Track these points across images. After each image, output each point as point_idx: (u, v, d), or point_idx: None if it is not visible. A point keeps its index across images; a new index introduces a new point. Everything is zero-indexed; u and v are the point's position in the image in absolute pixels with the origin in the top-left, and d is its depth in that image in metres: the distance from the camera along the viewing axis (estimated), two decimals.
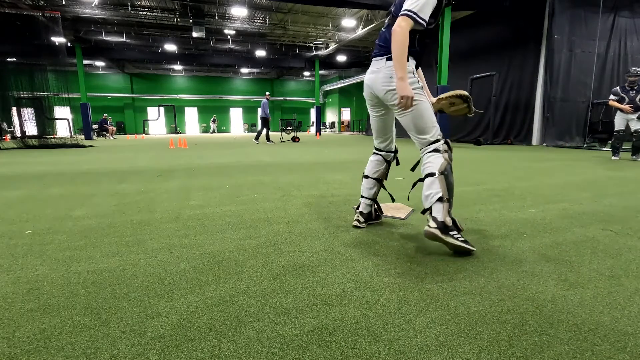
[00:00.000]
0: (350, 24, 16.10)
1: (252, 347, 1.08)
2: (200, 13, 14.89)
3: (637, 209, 2.78)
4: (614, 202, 3.02)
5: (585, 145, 10.07)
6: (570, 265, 1.68)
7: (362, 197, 2.29)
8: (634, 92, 6.18)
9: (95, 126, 19.46)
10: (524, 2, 10.82)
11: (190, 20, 15.11)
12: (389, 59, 1.84)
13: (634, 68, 6.35)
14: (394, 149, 2.29)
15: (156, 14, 14.89)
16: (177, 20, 15.24)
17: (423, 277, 1.55)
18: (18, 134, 11.95)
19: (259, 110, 12.74)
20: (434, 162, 1.83)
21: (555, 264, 1.70)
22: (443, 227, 1.74)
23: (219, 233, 2.21)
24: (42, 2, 13.02)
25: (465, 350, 1.06)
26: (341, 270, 1.64)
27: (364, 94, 2.10)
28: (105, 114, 21.03)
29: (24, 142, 11.38)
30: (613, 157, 6.61)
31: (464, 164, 6.00)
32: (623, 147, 6.77)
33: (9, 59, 11.93)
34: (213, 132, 28.77)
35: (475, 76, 11.75)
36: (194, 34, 15.71)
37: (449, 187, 1.79)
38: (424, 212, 1.85)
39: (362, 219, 2.29)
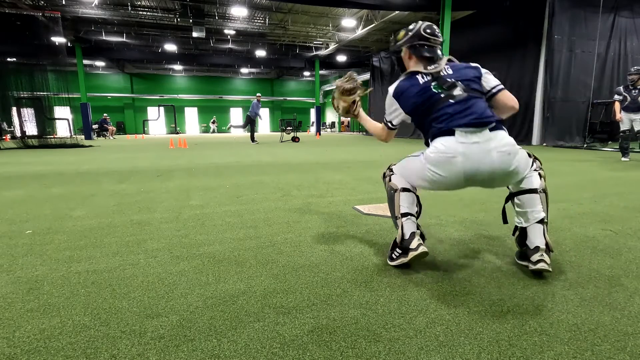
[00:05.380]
0: (351, 24, 16.09)
1: (252, 347, 1.08)
2: (200, 13, 14.89)
3: (637, 209, 2.78)
4: (614, 202, 3.02)
5: (585, 146, 10.06)
6: (570, 265, 1.68)
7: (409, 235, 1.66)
8: (637, 91, 6.16)
9: (95, 126, 19.45)
10: (524, 2, 10.82)
11: (190, 20, 15.10)
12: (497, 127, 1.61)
13: (635, 67, 6.34)
14: None
15: (156, 14, 14.89)
16: (177, 20, 15.23)
17: (423, 277, 1.55)
18: (18, 134, 11.94)
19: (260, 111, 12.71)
20: (534, 180, 1.63)
21: (555, 263, 1.69)
22: (548, 250, 1.54)
23: (219, 233, 2.21)
24: (42, 2, 13.02)
25: (465, 350, 1.06)
26: (341, 270, 1.64)
27: (470, 172, 1.54)
28: (105, 114, 21.01)
29: (24, 142, 11.38)
30: (623, 159, 6.49)
31: None
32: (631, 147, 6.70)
33: (9, 59, 11.93)
34: (213, 132, 28.78)
35: None
36: (194, 34, 15.71)
37: (548, 205, 1.64)
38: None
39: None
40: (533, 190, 1.60)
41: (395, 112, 1.83)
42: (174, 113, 26.76)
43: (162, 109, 26.95)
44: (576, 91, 10.56)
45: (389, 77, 19.16)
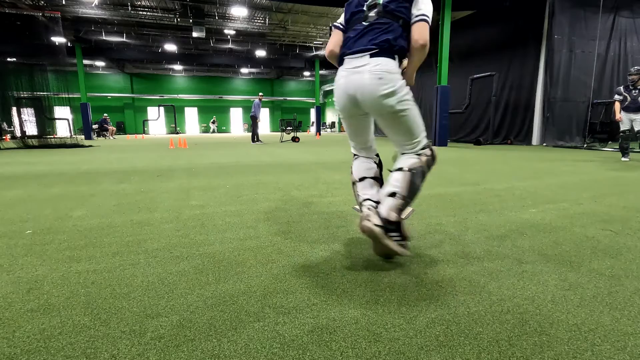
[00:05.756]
0: None
1: (252, 347, 1.08)
2: (200, 13, 14.88)
3: (637, 209, 2.78)
4: (614, 202, 3.02)
5: (585, 146, 10.07)
6: (570, 265, 1.68)
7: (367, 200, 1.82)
8: (637, 91, 6.16)
9: (95, 126, 19.45)
10: (524, 2, 10.82)
11: (190, 20, 15.10)
12: (374, 55, 1.64)
13: (635, 67, 6.33)
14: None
15: (156, 14, 14.89)
16: (177, 20, 15.23)
17: (423, 277, 1.55)
18: (18, 134, 11.94)
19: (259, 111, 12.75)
20: (408, 159, 1.72)
21: (555, 264, 1.70)
22: (385, 224, 1.56)
23: (219, 233, 2.21)
24: (42, 2, 13.02)
25: (465, 350, 1.06)
26: (341, 270, 1.64)
27: (338, 97, 1.77)
28: (105, 114, 21.01)
29: (24, 142, 11.37)
30: (623, 159, 6.49)
31: (464, 164, 6.00)
32: (631, 147, 6.70)
33: (9, 59, 11.93)
34: (213, 132, 28.78)
35: (475, 76, 11.76)
36: (194, 34, 15.71)
37: (412, 188, 1.66)
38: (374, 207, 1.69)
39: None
40: (399, 169, 1.69)
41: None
42: (174, 113, 26.76)
43: (162, 109, 26.95)
44: (576, 91, 10.57)
45: None
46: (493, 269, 1.63)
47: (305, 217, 2.57)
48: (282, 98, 32.27)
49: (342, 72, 1.74)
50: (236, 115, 32.14)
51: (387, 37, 1.65)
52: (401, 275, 1.58)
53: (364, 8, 1.74)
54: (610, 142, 10.15)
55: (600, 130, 10.35)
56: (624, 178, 4.37)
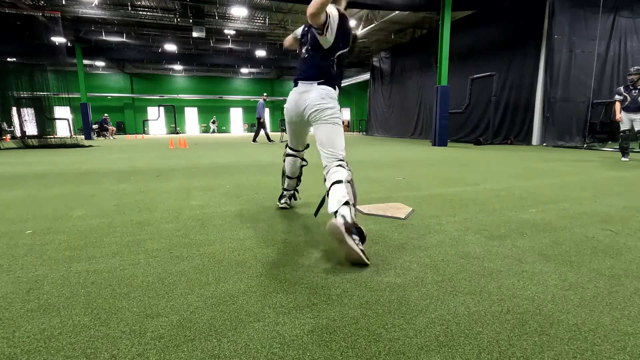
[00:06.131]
0: (351, 24, 16.06)
1: (252, 347, 1.08)
2: (200, 13, 14.89)
3: (637, 209, 2.78)
4: (614, 202, 3.02)
5: (585, 146, 10.07)
6: (570, 265, 1.68)
7: (286, 190, 2.82)
8: (637, 91, 6.16)
9: (95, 126, 19.45)
10: (524, 2, 10.82)
11: (190, 20, 15.10)
12: (320, 83, 2.11)
13: (634, 67, 6.33)
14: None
15: (156, 14, 14.90)
16: (177, 20, 15.24)
17: (423, 277, 1.55)
18: (18, 134, 11.94)
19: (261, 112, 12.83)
20: (341, 172, 1.94)
21: (555, 264, 1.70)
22: (349, 226, 1.69)
23: (219, 233, 2.21)
24: (42, 2, 13.02)
25: (465, 350, 1.06)
26: (341, 270, 1.64)
27: (289, 109, 2.27)
28: (105, 114, 21.01)
29: (24, 142, 11.37)
30: (623, 159, 6.49)
31: (464, 164, 6.00)
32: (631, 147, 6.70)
33: (9, 59, 11.93)
34: (213, 132, 28.78)
35: (475, 76, 11.76)
36: (194, 34, 15.71)
37: (354, 194, 1.88)
38: (334, 214, 1.83)
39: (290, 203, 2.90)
40: (338, 182, 1.89)
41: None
42: (174, 113, 26.77)
43: (162, 109, 26.96)
44: (576, 91, 10.56)
45: (389, 77, 19.17)
46: (493, 269, 1.63)
47: (305, 217, 2.57)
48: (282, 98, 32.25)
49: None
50: (236, 115, 32.14)
51: None
52: (401, 275, 1.58)
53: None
54: (610, 142, 10.15)
55: (600, 130, 10.35)
56: (624, 178, 4.37)
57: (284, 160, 2.69)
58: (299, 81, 2.20)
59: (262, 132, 13.02)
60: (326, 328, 1.17)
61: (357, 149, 9.69)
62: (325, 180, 1.98)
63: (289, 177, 2.74)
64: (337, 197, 1.82)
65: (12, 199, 3.31)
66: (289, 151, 2.64)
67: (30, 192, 3.62)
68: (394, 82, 18.70)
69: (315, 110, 2.11)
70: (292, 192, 2.88)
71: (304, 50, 2.23)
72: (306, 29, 2.26)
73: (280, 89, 32.59)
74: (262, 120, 12.74)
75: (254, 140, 12.88)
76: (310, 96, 2.12)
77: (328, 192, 1.90)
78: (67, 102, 11.75)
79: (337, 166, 1.98)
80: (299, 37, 2.35)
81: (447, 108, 10.62)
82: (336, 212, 1.78)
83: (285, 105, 2.32)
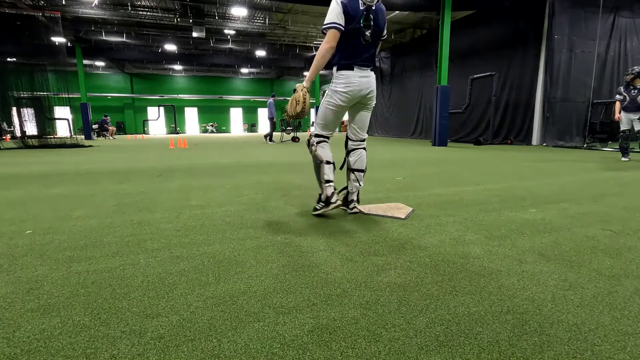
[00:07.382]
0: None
1: (252, 347, 1.08)
2: (200, 13, 14.89)
3: (637, 209, 2.78)
4: (614, 202, 3.02)
5: (585, 145, 10.07)
6: (570, 265, 1.68)
7: (330, 181, 2.58)
8: (636, 91, 6.16)
9: (95, 126, 19.45)
10: (524, 2, 10.82)
11: (190, 20, 15.11)
12: (372, 70, 2.41)
13: (631, 68, 6.34)
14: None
15: (156, 14, 14.90)
16: (177, 20, 15.24)
17: (423, 277, 1.55)
18: (18, 134, 11.93)
19: (267, 112, 12.85)
20: (364, 158, 2.64)
21: (555, 264, 1.70)
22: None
23: (219, 233, 2.21)
24: (42, 2, 13.02)
25: (465, 350, 1.06)
26: (341, 270, 1.64)
27: (354, 91, 2.36)
28: (105, 114, 21.00)
29: (24, 142, 11.37)
30: (623, 159, 6.49)
31: (464, 164, 6.00)
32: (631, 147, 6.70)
33: (9, 59, 11.92)
34: (212, 132, 28.82)
35: (475, 76, 11.76)
36: (194, 34, 15.72)
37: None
38: (355, 200, 2.65)
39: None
40: (362, 170, 2.66)
41: (340, 15, 2.18)
42: (174, 113, 26.76)
43: (162, 109, 26.95)
44: (576, 91, 10.57)
45: (389, 77, 19.18)
46: (493, 269, 1.63)
47: (305, 217, 2.57)
48: (282, 98, 32.23)
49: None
50: (236, 116, 32.12)
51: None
52: (401, 275, 1.58)
53: (361, 23, 2.26)
54: (610, 142, 10.14)
55: (600, 130, 10.35)
56: (624, 178, 4.37)
57: (315, 150, 2.55)
58: (355, 66, 2.27)
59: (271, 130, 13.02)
60: (326, 328, 1.17)
61: None
62: (346, 144, 2.72)
63: (328, 163, 2.55)
64: (361, 183, 2.67)
65: (12, 199, 3.31)
66: (319, 138, 2.59)
67: (30, 192, 3.62)
68: (394, 82, 18.70)
69: (373, 96, 2.44)
70: (333, 185, 2.54)
71: (367, 34, 2.24)
72: (364, 9, 2.19)
73: (280, 89, 32.55)
74: (274, 119, 12.74)
75: (271, 139, 12.82)
76: (372, 81, 2.38)
77: (354, 170, 2.65)
78: (67, 102, 11.74)
79: (363, 148, 2.69)
80: (352, 18, 2.18)
81: (447, 108, 10.62)
82: (364, 170, 2.60)
83: (346, 89, 2.33)
